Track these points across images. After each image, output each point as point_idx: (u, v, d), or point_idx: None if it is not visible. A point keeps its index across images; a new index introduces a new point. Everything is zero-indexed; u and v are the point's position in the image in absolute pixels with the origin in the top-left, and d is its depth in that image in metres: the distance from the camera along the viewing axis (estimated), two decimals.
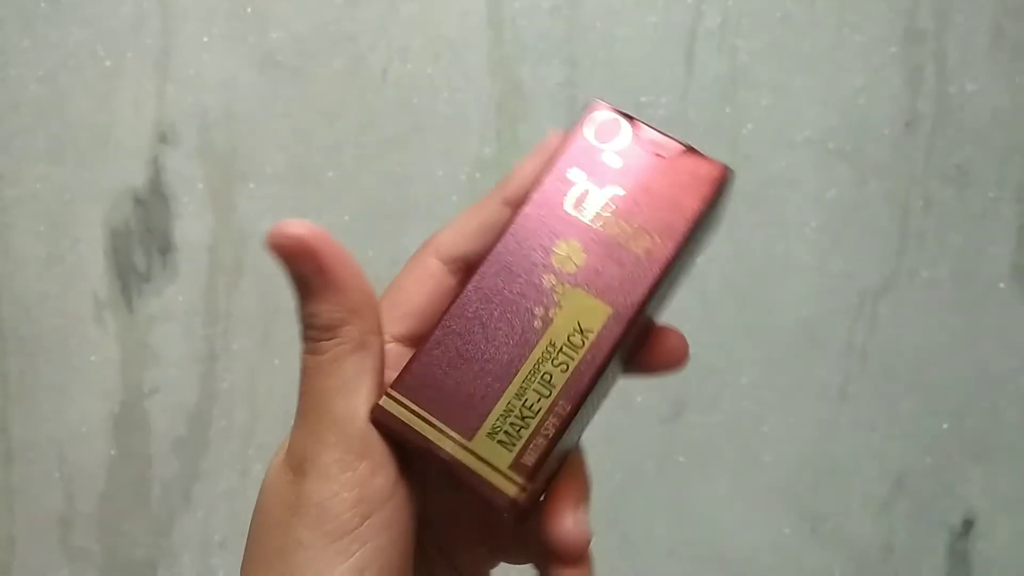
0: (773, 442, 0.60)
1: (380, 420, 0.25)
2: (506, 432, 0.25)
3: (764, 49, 0.58)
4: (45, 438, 0.59)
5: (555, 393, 0.25)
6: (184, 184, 0.57)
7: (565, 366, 0.25)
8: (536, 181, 0.27)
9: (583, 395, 0.25)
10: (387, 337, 0.27)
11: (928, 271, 0.60)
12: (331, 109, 0.57)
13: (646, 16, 0.58)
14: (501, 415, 0.25)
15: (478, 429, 0.25)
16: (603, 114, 0.28)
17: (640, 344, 0.28)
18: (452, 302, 0.26)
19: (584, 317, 0.26)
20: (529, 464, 0.25)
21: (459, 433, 0.25)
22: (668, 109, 0.58)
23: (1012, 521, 0.62)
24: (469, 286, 0.26)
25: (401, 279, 0.28)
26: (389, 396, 0.25)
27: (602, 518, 0.61)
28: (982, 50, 0.58)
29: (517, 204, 0.27)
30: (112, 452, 0.59)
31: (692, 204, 0.26)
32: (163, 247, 0.58)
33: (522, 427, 0.25)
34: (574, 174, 0.27)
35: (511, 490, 0.25)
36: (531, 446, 0.25)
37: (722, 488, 0.61)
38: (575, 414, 0.25)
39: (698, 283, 0.59)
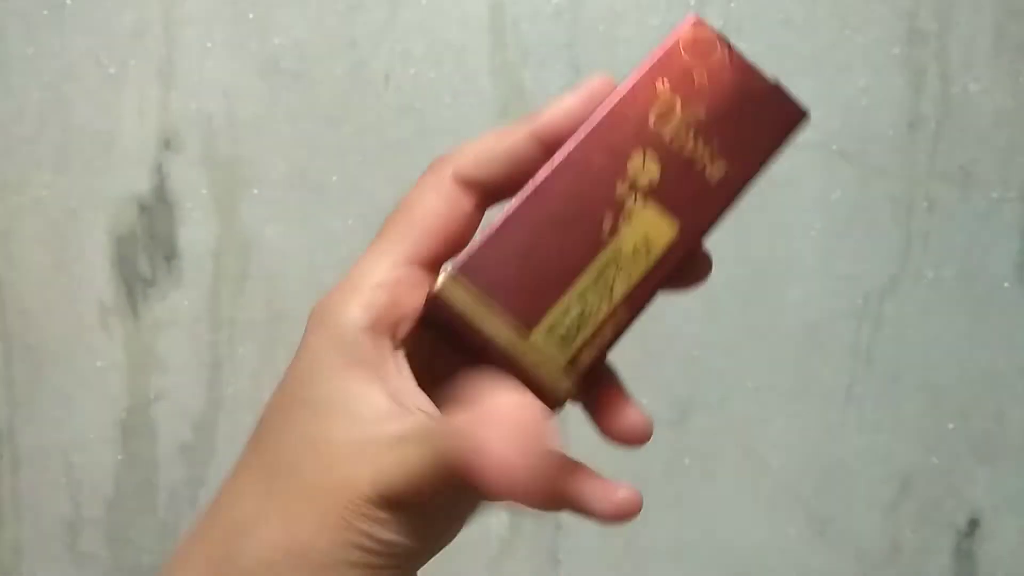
0: (779, 444, 0.60)
1: (437, 308, 0.25)
2: (566, 329, 0.25)
3: (766, 51, 0.58)
4: (52, 444, 0.59)
5: (616, 301, 0.25)
6: (188, 190, 0.57)
7: (628, 276, 0.26)
8: (622, 86, 0.27)
9: (640, 308, 0.26)
10: (403, 259, 0.26)
11: (932, 272, 0.60)
12: (334, 114, 0.57)
13: (648, 19, 0.58)
14: (562, 312, 0.25)
15: (538, 322, 0.25)
16: (700, 30, 0.27)
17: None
18: (523, 196, 0.26)
19: (652, 232, 0.26)
20: (583, 365, 0.25)
21: (519, 323, 0.25)
22: None
23: (1018, 521, 0.61)
24: (542, 180, 0.26)
25: (417, 197, 0.27)
26: (452, 278, 0.25)
27: None
28: (984, 51, 0.58)
29: (553, 131, 0.26)
30: (119, 458, 0.59)
31: (770, 142, 0.27)
32: (168, 253, 0.58)
33: (581, 327, 0.25)
34: (661, 86, 0.27)
35: (563, 387, 0.25)
36: (587, 348, 0.25)
37: (728, 490, 0.61)
38: (630, 324, 0.26)
39: (702, 286, 0.59)
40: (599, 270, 0.25)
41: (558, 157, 0.26)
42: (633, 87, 0.27)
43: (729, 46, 0.27)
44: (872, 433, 0.61)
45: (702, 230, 0.26)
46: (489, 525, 0.60)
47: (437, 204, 0.27)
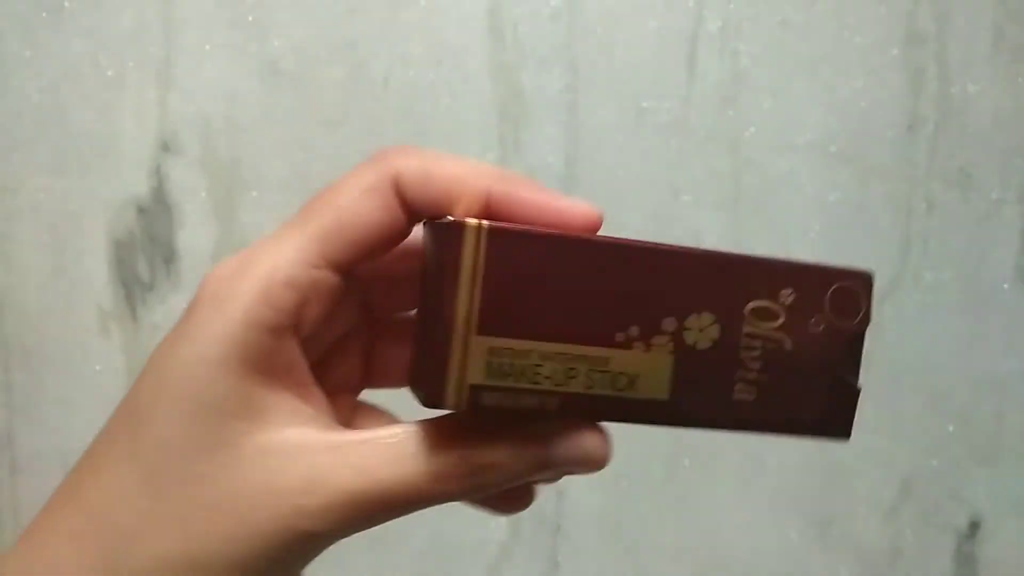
0: (779, 446, 0.60)
1: (445, 233, 0.23)
2: (507, 365, 0.23)
3: (765, 53, 0.58)
4: (51, 449, 0.59)
5: (561, 391, 0.23)
6: (187, 193, 0.57)
7: (588, 385, 0.23)
8: (765, 256, 0.25)
9: (567, 411, 0.24)
10: (317, 259, 0.24)
11: (931, 274, 0.60)
12: (333, 117, 0.57)
13: (647, 21, 0.58)
14: (520, 352, 0.23)
15: (494, 336, 0.23)
16: (860, 289, 0.26)
17: None
18: (601, 235, 0.24)
19: (647, 380, 0.24)
20: (485, 403, 0.23)
21: (482, 320, 0.23)
22: (670, 114, 0.58)
23: (1019, 523, 0.61)
24: (627, 241, 0.24)
25: (352, 196, 0.24)
26: (484, 228, 0.23)
27: (608, 522, 0.60)
28: (983, 52, 0.58)
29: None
30: None
31: (799, 423, 0.25)
32: (167, 256, 0.58)
33: (516, 377, 0.23)
34: (786, 293, 0.24)
35: (451, 399, 0.23)
36: (501, 394, 0.23)
37: (728, 492, 0.61)
38: (544, 414, 0.24)
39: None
40: (580, 356, 0.23)
41: (663, 243, 0.24)
42: (772, 266, 0.25)
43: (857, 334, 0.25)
44: (872, 435, 0.61)
45: (678, 422, 0.24)
46: (488, 529, 0.60)
47: (371, 212, 0.24)
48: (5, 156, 0.57)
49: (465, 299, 0.22)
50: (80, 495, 0.24)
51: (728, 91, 0.58)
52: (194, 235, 0.58)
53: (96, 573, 0.23)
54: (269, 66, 0.57)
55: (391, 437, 0.24)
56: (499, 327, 0.23)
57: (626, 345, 0.23)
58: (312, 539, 0.23)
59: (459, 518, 0.58)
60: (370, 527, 0.24)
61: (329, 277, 0.25)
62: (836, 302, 0.25)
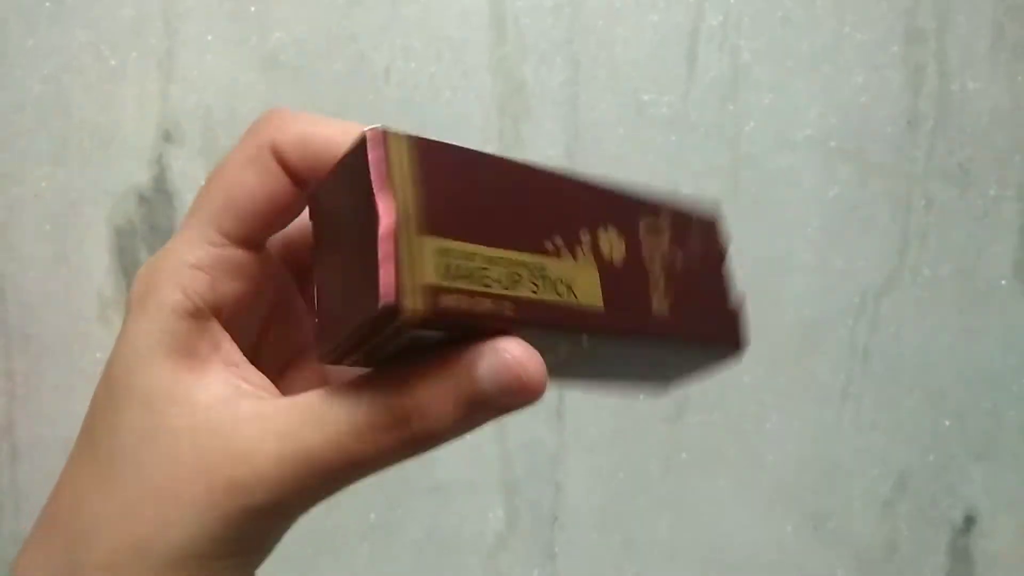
0: (775, 441, 0.61)
1: (368, 145, 0.22)
2: (456, 267, 0.22)
3: (765, 48, 0.58)
4: (51, 437, 0.59)
5: (511, 295, 0.22)
6: (188, 183, 0.58)
7: (534, 290, 0.23)
8: (639, 187, 0.26)
9: (524, 323, 0.23)
10: (221, 239, 0.25)
11: (930, 270, 0.60)
12: (334, 109, 0.57)
13: (648, 15, 0.58)
14: (466, 252, 0.22)
15: (442, 236, 0.21)
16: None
17: None
18: (513, 158, 0.24)
19: (581, 287, 0.24)
20: (444, 307, 0.21)
21: (425, 221, 0.21)
22: (670, 108, 0.58)
23: (1014, 519, 0.62)
24: (536, 166, 0.24)
25: (235, 172, 0.25)
26: (406, 137, 0.22)
27: (605, 517, 0.61)
28: (983, 49, 0.58)
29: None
30: None
31: (703, 337, 0.27)
32: None
33: (469, 279, 0.22)
34: (664, 217, 0.26)
35: (410, 303, 0.21)
36: (459, 297, 0.21)
37: (724, 487, 0.61)
38: (507, 327, 0.22)
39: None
40: (520, 262, 0.23)
41: (557, 168, 0.25)
42: (648, 197, 0.26)
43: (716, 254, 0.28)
44: (869, 431, 0.61)
45: (614, 332, 0.24)
46: (485, 520, 0.60)
47: (256, 182, 0.25)
48: (7, 145, 0.57)
49: (403, 202, 0.21)
50: (50, 503, 0.25)
51: (728, 86, 0.58)
52: None
53: (60, 573, 0.23)
54: (270, 58, 0.57)
55: (315, 397, 0.23)
56: (442, 228, 0.22)
57: (555, 253, 0.24)
58: (255, 513, 0.23)
59: (457, 509, 0.58)
60: (316, 497, 0.23)
61: (234, 253, 0.25)
62: (700, 230, 0.28)
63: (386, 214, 0.21)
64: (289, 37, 0.57)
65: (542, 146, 0.58)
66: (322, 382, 0.29)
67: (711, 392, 0.60)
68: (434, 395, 0.22)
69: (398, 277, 0.20)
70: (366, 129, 0.22)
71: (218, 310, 0.25)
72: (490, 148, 0.58)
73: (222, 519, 0.22)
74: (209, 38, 0.57)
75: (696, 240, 0.27)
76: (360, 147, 0.22)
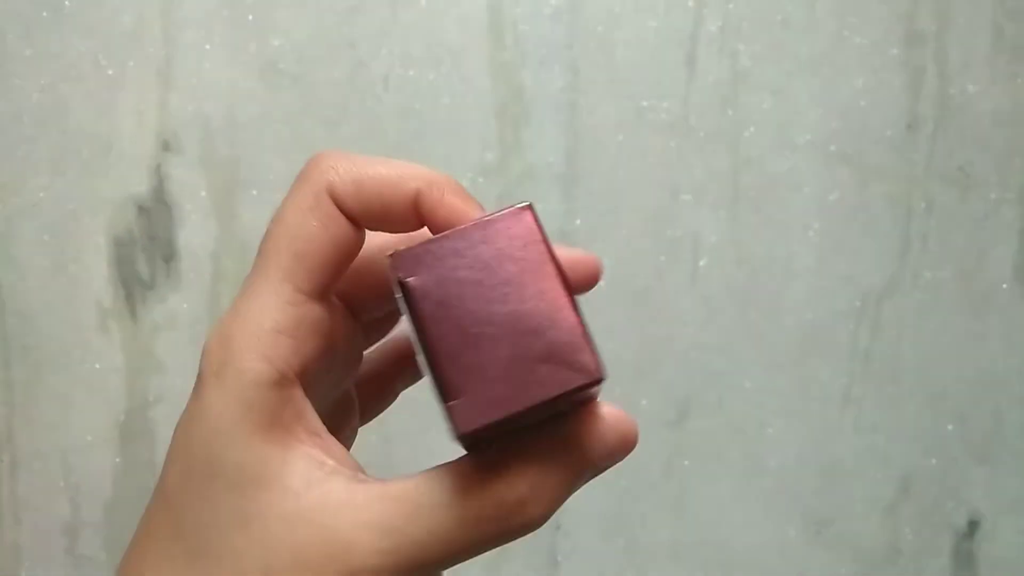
0: (777, 445, 0.60)
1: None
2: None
3: (765, 52, 0.58)
4: (50, 447, 0.59)
5: None
6: (187, 192, 0.57)
7: None
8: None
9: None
10: (300, 296, 0.24)
11: (931, 273, 0.60)
12: (333, 116, 0.57)
13: (647, 20, 0.58)
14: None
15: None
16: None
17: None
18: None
19: None
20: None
21: None
22: (670, 113, 0.58)
23: (1017, 522, 0.61)
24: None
25: (297, 223, 0.25)
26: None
27: (607, 522, 0.61)
28: (983, 52, 0.58)
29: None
30: (117, 461, 0.59)
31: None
32: (167, 255, 0.58)
33: None
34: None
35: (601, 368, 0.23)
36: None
37: (727, 491, 0.61)
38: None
39: (700, 287, 0.59)
40: None
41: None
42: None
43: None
44: (871, 434, 0.61)
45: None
46: None
47: (321, 232, 0.24)
48: (5, 155, 0.57)
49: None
50: None
51: (728, 90, 0.58)
52: (194, 234, 0.58)
53: None
54: (269, 65, 0.57)
55: (412, 486, 0.23)
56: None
57: None
58: None
59: None
60: None
61: (312, 309, 0.24)
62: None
63: (566, 288, 0.22)
64: (288, 44, 0.57)
65: (542, 152, 0.57)
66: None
67: (712, 396, 0.60)
68: (547, 478, 0.23)
69: (593, 352, 0.23)
70: (518, 205, 0.23)
71: (301, 374, 0.24)
72: (490, 154, 0.58)
73: None
74: (208, 46, 0.57)
75: None
76: (511, 218, 0.23)
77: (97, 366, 0.58)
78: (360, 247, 0.25)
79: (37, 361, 0.58)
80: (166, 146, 0.57)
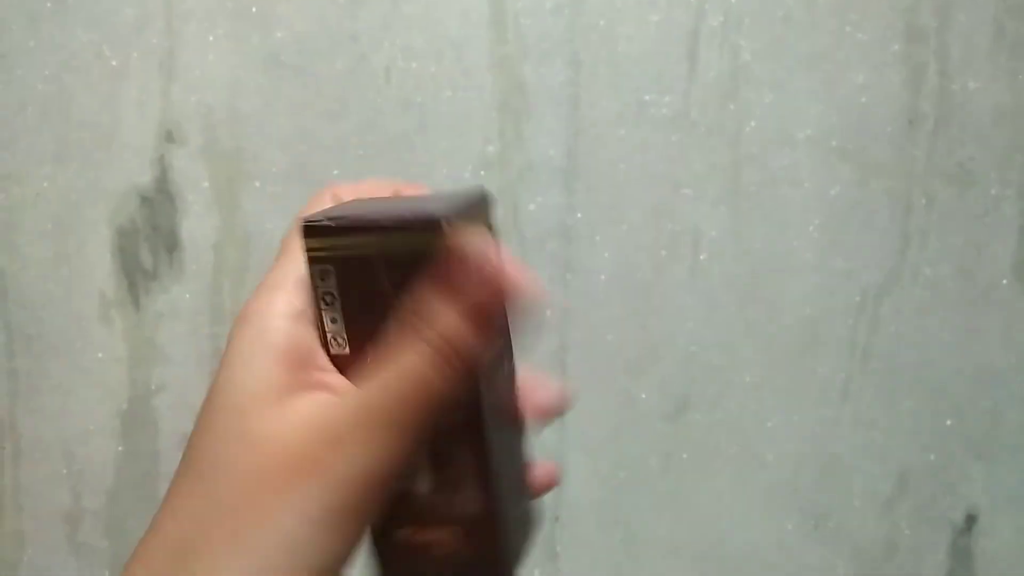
0: (776, 440, 0.61)
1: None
2: None
3: (766, 48, 0.58)
4: (53, 436, 0.59)
5: None
6: (190, 183, 0.58)
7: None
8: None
9: None
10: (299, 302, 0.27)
11: (930, 269, 0.60)
12: (335, 108, 0.57)
13: (648, 15, 0.58)
14: None
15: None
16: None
17: None
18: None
19: None
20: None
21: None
22: (671, 108, 0.58)
23: (1014, 517, 0.62)
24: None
25: (314, 206, 0.29)
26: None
27: (606, 515, 0.61)
28: (983, 48, 0.58)
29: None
30: (119, 449, 0.59)
31: None
32: (169, 245, 0.58)
33: None
34: None
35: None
36: None
37: (725, 485, 0.61)
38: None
39: (700, 282, 0.59)
40: None
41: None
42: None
43: None
44: (869, 429, 0.61)
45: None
46: None
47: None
48: (9, 145, 0.57)
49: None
50: (154, 521, 0.26)
51: (729, 86, 0.58)
52: (196, 224, 0.58)
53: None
54: (271, 57, 0.57)
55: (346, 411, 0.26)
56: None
57: None
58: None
59: None
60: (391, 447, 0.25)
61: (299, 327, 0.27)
62: None
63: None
64: (290, 36, 0.57)
65: (543, 145, 0.58)
66: None
67: (711, 391, 0.60)
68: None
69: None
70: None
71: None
72: (491, 147, 0.58)
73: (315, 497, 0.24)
74: (210, 38, 0.57)
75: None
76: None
77: (100, 355, 0.59)
78: None
79: (40, 350, 0.59)
80: (169, 137, 0.57)
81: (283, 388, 0.25)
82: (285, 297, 0.27)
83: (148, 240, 0.58)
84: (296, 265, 0.27)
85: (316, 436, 0.24)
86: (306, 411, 0.25)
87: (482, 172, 0.58)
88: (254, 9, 0.57)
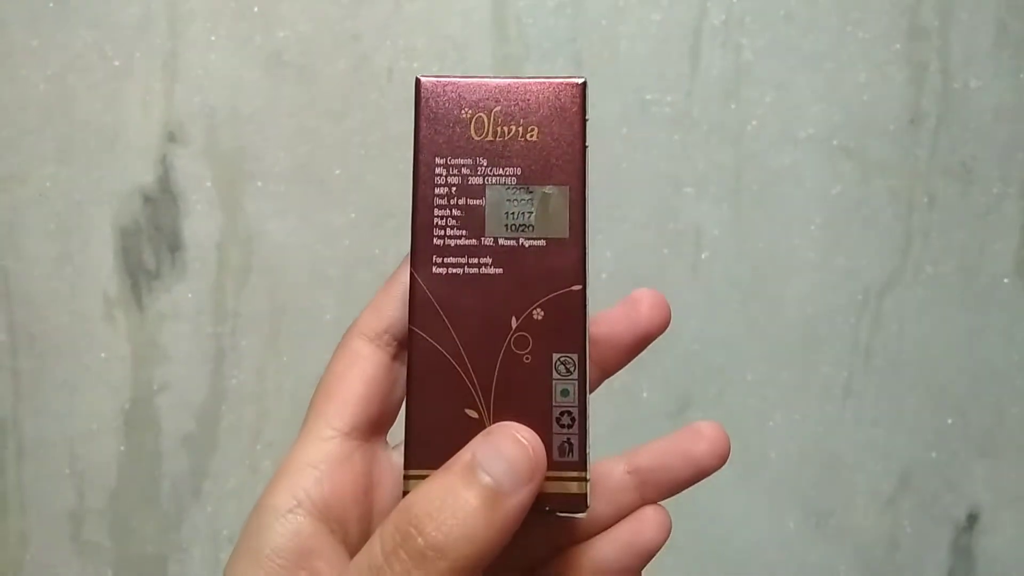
0: (778, 438, 0.61)
1: None
2: None
3: (768, 46, 0.58)
4: (56, 435, 0.59)
5: None
6: (192, 183, 0.58)
7: None
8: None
9: None
10: (330, 432, 0.26)
11: (932, 267, 0.60)
12: (337, 108, 0.57)
13: (650, 14, 0.58)
14: None
15: None
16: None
17: None
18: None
19: None
20: None
21: None
22: (673, 107, 0.58)
23: (1017, 516, 0.62)
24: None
25: (331, 367, 0.27)
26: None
27: None
28: (986, 47, 0.58)
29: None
30: (122, 449, 0.59)
31: None
32: (172, 245, 0.58)
33: None
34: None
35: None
36: None
37: (726, 482, 0.61)
38: None
39: (702, 279, 0.59)
40: None
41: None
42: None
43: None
44: (871, 427, 0.61)
45: None
46: None
47: (351, 368, 0.27)
48: (12, 145, 0.57)
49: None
50: None
51: (731, 84, 0.58)
52: (199, 224, 0.58)
53: None
54: (274, 57, 0.57)
55: None
56: None
57: None
58: None
59: None
60: None
61: (343, 444, 0.26)
62: None
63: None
64: (293, 36, 0.57)
65: None
66: None
67: (713, 388, 0.60)
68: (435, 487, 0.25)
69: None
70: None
71: (324, 502, 0.26)
72: None
73: None
74: (213, 38, 0.57)
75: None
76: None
77: (103, 355, 0.59)
78: (398, 372, 0.28)
79: (43, 350, 0.59)
80: (172, 137, 0.57)
81: None
82: (289, 488, 0.25)
83: (151, 240, 0.58)
84: (311, 448, 0.26)
85: None
86: None
87: None
88: (256, 9, 0.57)
